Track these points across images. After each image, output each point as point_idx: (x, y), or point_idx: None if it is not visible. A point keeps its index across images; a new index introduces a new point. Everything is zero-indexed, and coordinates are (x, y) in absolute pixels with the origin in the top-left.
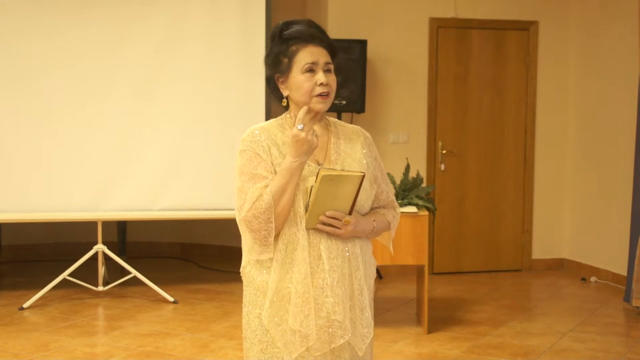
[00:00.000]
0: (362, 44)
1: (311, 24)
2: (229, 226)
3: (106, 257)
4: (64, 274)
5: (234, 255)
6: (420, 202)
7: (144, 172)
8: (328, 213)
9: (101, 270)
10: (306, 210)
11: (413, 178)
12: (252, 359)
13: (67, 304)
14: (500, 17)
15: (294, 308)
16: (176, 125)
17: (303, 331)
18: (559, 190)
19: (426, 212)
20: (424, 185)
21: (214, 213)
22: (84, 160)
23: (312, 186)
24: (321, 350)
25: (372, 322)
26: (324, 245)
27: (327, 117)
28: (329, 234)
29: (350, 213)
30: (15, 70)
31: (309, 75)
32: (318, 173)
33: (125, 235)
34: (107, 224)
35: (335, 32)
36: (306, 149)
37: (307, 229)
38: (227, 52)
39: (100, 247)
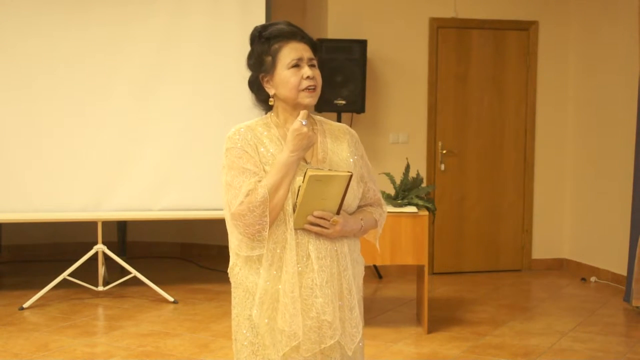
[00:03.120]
0: (362, 44)
1: (290, 24)
2: None
3: (106, 257)
4: (64, 274)
5: None
6: (420, 202)
7: (144, 172)
8: (316, 213)
9: (101, 270)
10: (294, 210)
11: (413, 178)
12: None
13: (67, 304)
14: (500, 17)
15: (282, 308)
16: (176, 125)
17: (289, 330)
18: (559, 190)
19: (426, 212)
20: (424, 185)
21: (214, 213)
22: (84, 160)
23: (299, 186)
24: (311, 351)
25: (362, 322)
26: (313, 245)
27: (312, 115)
28: (317, 234)
29: (338, 213)
30: (15, 70)
31: (295, 70)
32: (305, 173)
33: (125, 235)
34: (107, 224)
35: (335, 32)
36: (305, 144)
37: (295, 228)
38: (227, 52)
39: (100, 247)
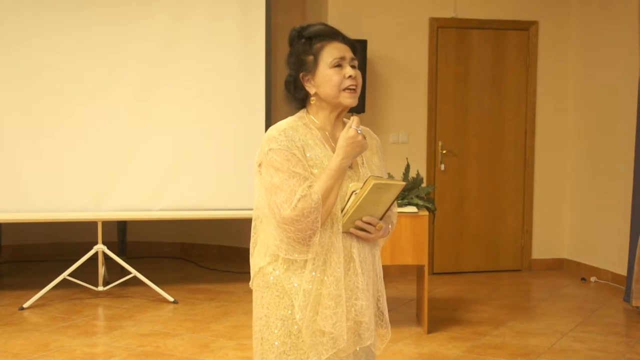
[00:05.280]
0: (362, 44)
1: (325, 24)
2: (229, 226)
3: (106, 257)
4: (64, 274)
5: (234, 255)
6: (420, 202)
7: (144, 172)
8: (365, 219)
9: (101, 270)
10: (342, 213)
11: (413, 178)
12: None
13: (67, 304)
14: (500, 17)
15: (325, 310)
16: (176, 125)
17: (335, 333)
18: (559, 190)
19: (426, 212)
20: (424, 185)
21: (214, 213)
22: (84, 160)
23: (353, 192)
24: (348, 351)
25: (389, 322)
26: (356, 249)
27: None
28: (358, 238)
29: (381, 218)
30: (15, 70)
31: (337, 70)
32: (367, 180)
33: (125, 235)
34: (107, 224)
35: None
36: (358, 152)
37: (342, 232)
38: (227, 53)
39: (100, 247)
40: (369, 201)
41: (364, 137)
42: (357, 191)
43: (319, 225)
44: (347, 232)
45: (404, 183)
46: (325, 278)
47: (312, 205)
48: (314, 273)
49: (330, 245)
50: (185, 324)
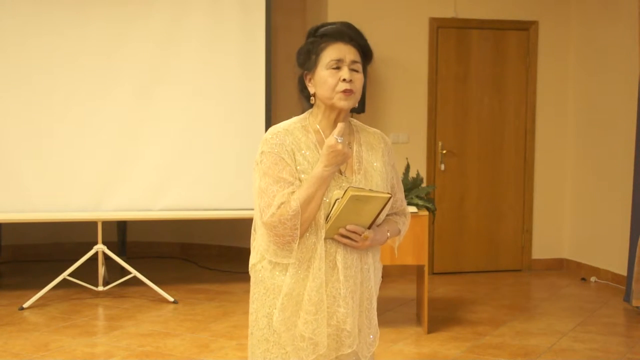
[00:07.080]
0: None
1: (345, 24)
2: (229, 226)
3: (106, 257)
4: (64, 274)
5: (234, 255)
6: (420, 202)
7: (144, 172)
8: (349, 227)
9: (101, 270)
10: (327, 221)
11: (413, 178)
12: (258, 357)
13: (67, 304)
14: (500, 17)
15: (306, 315)
16: (176, 125)
17: (315, 339)
18: (559, 190)
19: (426, 212)
20: (424, 185)
21: (214, 213)
22: (84, 160)
23: (336, 200)
24: (328, 357)
25: (378, 329)
26: (340, 256)
27: (350, 121)
28: (345, 245)
29: (369, 228)
30: (15, 69)
31: (334, 72)
32: (346, 191)
33: (125, 235)
34: (107, 224)
35: None
36: (340, 160)
37: (325, 238)
38: (227, 52)
39: (100, 247)
40: (349, 211)
41: (348, 144)
42: (340, 199)
43: (298, 233)
44: (333, 239)
45: (387, 195)
46: (308, 283)
47: (290, 213)
48: (294, 274)
49: (314, 251)
50: (185, 324)
